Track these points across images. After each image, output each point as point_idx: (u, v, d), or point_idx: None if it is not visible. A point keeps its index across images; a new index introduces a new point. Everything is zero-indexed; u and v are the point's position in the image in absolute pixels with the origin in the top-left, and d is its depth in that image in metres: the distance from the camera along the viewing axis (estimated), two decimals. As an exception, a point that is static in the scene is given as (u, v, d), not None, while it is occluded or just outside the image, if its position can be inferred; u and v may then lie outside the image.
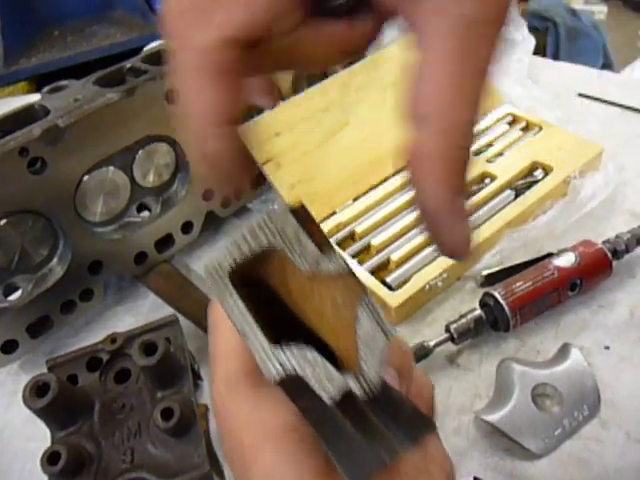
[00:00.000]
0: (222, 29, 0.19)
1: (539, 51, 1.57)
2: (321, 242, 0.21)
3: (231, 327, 0.21)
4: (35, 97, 0.98)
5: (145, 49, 0.98)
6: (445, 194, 0.19)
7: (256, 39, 0.19)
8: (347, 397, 0.19)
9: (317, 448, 0.21)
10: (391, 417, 0.21)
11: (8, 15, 1.08)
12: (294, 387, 0.20)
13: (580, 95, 0.80)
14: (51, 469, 0.41)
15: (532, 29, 1.63)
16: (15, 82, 1.08)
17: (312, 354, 0.19)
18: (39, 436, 0.52)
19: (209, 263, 0.20)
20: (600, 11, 3.42)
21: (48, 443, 0.46)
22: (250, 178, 0.20)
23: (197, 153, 0.21)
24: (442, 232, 0.20)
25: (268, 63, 0.22)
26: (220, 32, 0.18)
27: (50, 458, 0.42)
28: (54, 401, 0.43)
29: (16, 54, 1.10)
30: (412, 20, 0.20)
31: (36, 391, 0.43)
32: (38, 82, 1.11)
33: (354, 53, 0.24)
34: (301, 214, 0.21)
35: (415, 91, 0.19)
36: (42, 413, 0.44)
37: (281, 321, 0.21)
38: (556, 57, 1.49)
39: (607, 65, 1.49)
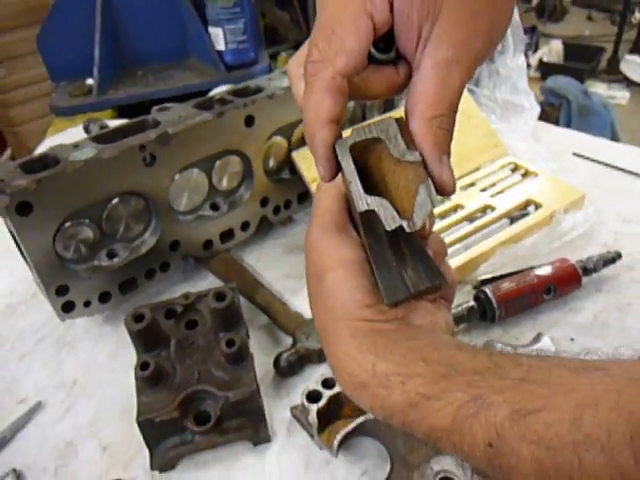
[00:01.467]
0: (343, 67, 0.33)
1: (553, 123, 1.75)
2: (408, 143, 0.33)
3: (330, 195, 0.37)
4: (119, 122, 1.17)
5: (211, 92, 1.18)
6: (435, 152, 0.33)
7: (355, 75, 0.35)
8: (398, 233, 0.32)
9: (370, 278, 0.35)
10: (420, 265, 0.35)
11: (104, 54, 1.31)
12: (370, 221, 0.33)
13: (574, 154, 0.96)
14: (141, 373, 0.56)
15: (547, 104, 1.83)
16: (103, 109, 1.30)
17: (386, 202, 0.32)
18: (120, 369, 0.67)
19: (340, 139, 0.34)
20: (622, 96, 3.63)
21: (126, 375, 0.60)
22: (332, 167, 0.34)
23: (311, 137, 0.35)
24: (436, 176, 0.33)
25: (351, 94, 0.37)
26: (341, 68, 0.33)
27: (142, 365, 0.56)
28: (146, 327, 0.58)
29: (106, 86, 1.31)
30: (417, 62, 0.34)
31: (135, 318, 0.59)
32: (121, 110, 1.32)
33: (399, 89, 0.38)
34: (401, 123, 0.33)
35: (410, 98, 0.33)
36: (136, 336, 0.59)
37: (369, 186, 0.33)
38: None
39: (614, 140, 1.65)
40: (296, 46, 3.59)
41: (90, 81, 1.32)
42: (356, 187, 0.33)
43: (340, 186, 0.38)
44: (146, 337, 0.60)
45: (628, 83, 3.65)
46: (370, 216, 0.33)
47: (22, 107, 2.54)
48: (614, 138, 1.67)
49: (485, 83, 1.01)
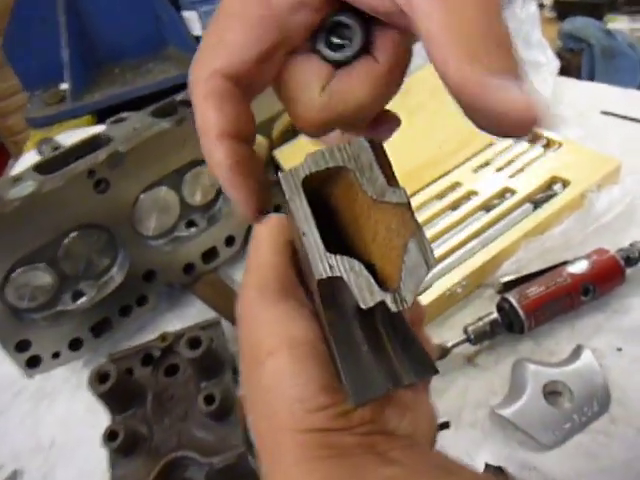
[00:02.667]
0: (222, 66, 0.23)
1: (574, 72, 1.59)
2: (389, 176, 0.23)
3: (270, 242, 0.26)
4: (98, 128, 1.09)
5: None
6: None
7: (244, 75, 0.24)
8: (374, 313, 0.23)
9: (327, 365, 0.25)
10: (403, 350, 0.25)
11: (74, 56, 1.21)
12: (332, 291, 0.23)
13: (603, 113, 0.83)
14: (110, 444, 0.48)
15: (567, 50, 1.66)
16: (81, 115, 1.20)
17: (359, 266, 0.21)
18: (101, 424, 0.59)
19: (287, 169, 0.23)
20: (647, 28, 3.37)
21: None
22: (256, 186, 0.23)
23: (208, 163, 0.25)
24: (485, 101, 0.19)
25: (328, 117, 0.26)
26: (220, 67, 0.23)
27: (110, 435, 0.48)
28: (113, 387, 0.50)
29: (81, 90, 1.22)
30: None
31: (99, 378, 0.50)
32: (100, 114, 1.22)
33: (390, 82, 0.26)
34: (377, 147, 0.23)
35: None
36: (103, 397, 0.51)
37: (332, 236, 0.23)
38: (592, 77, 1.51)
39: (647, 83, 1.49)
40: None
41: (65, 86, 1.23)
42: (313, 241, 0.22)
43: (283, 227, 0.28)
44: (115, 397, 0.52)
45: (653, 12, 3.38)
46: (334, 284, 0.23)
47: (16, 116, 2.48)
48: (645, 80, 1.50)
49: (492, 41, 0.87)
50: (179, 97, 0.67)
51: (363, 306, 0.21)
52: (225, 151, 0.24)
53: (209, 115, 0.24)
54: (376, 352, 0.25)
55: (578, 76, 1.47)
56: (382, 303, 0.22)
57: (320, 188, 0.24)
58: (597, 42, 1.45)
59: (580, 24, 1.52)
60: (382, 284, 0.22)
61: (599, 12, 3.39)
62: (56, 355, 0.61)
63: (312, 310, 0.27)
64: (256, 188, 0.26)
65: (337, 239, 0.24)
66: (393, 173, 0.23)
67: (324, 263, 0.22)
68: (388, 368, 0.24)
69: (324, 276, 0.22)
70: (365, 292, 0.21)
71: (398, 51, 0.25)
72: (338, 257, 0.22)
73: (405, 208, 0.22)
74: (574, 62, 1.49)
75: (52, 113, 1.20)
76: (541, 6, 3.56)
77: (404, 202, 0.22)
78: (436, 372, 0.25)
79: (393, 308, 0.21)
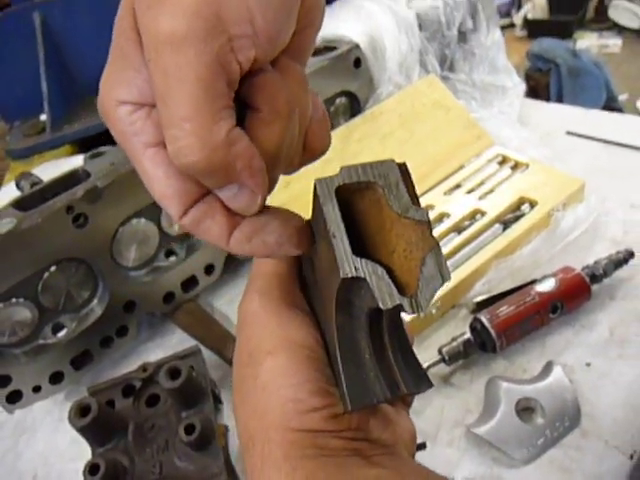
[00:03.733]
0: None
1: (543, 90, 1.64)
2: (412, 196, 0.25)
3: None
4: (78, 159, 1.09)
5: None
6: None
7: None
8: (385, 315, 0.25)
9: (323, 369, 0.27)
10: (403, 361, 0.26)
11: (53, 87, 1.22)
12: (348, 296, 0.25)
13: (568, 133, 0.86)
14: (92, 479, 0.48)
15: (536, 70, 1.71)
16: (60, 146, 1.21)
17: (381, 270, 0.23)
18: (82, 457, 0.59)
19: (323, 178, 0.25)
20: (614, 44, 3.49)
21: (90, 462, 0.53)
22: None
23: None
24: None
25: None
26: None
27: (91, 469, 0.48)
28: (94, 421, 0.51)
29: (60, 121, 1.22)
30: None
31: (79, 412, 0.51)
32: (80, 144, 1.23)
33: None
34: (404, 170, 0.26)
35: None
36: (84, 431, 0.51)
37: (354, 244, 0.25)
38: (560, 95, 1.55)
39: (611, 99, 1.54)
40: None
41: (44, 117, 1.24)
42: (342, 243, 0.24)
43: None
44: (96, 431, 0.52)
45: (619, 29, 3.50)
46: (352, 286, 0.25)
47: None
48: (610, 97, 1.56)
49: (460, 67, 0.91)
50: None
51: (382, 306, 0.23)
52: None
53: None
54: (378, 360, 0.26)
55: (547, 95, 1.52)
56: (392, 314, 0.25)
57: (348, 199, 0.26)
58: (564, 62, 1.51)
59: (547, 45, 1.58)
60: (400, 291, 0.24)
61: (568, 30, 3.51)
62: (37, 389, 0.61)
63: (312, 318, 0.29)
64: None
65: (359, 247, 0.25)
66: (416, 194, 0.26)
67: (350, 264, 0.24)
68: (388, 377, 0.26)
69: (349, 276, 0.24)
70: (385, 294, 0.23)
71: (272, 89, 0.24)
72: (363, 260, 0.24)
73: (426, 226, 0.24)
74: (542, 81, 1.54)
75: (32, 144, 1.20)
76: (512, 26, 3.67)
77: (425, 220, 0.24)
78: (432, 385, 0.27)
79: (409, 312, 0.23)
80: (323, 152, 0.28)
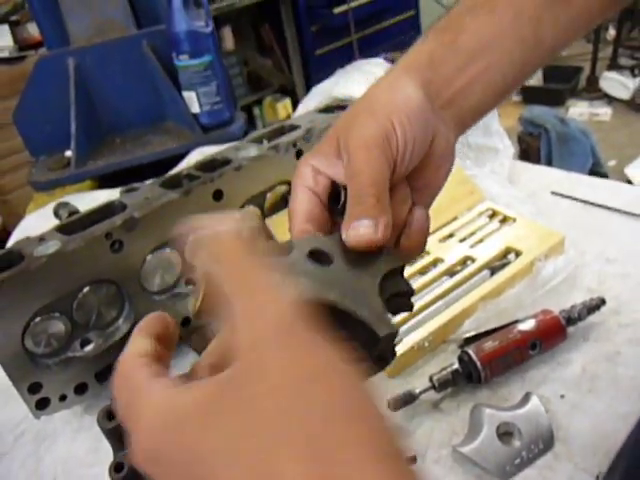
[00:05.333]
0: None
1: (534, 154, 1.76)
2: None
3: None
4: (101, 193, 1.18)
5: (190, 154, 1.19)
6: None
7: None
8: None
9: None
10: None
11: (80, 127, 1.32)
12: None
13: (552, 193, 0.95)
14: (117, 475, 0.54)
15: (527, 134, 1.84)
16: (82, 180, 1.30)
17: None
18: (99, 463, 0.65)
19: None
20: (605, 113, 3.67)
21: (106, 470, 0.58)
22: None
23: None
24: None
25: None
26: None
27: (116, 467, 0.54)
28: (120, 425, 0.56)
29: (85, 157, 1.32)
30: None
31: (107, 415, 0.57)
32: (101, 180, 1.32)
33: None
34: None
35: None
36: (110, 434, 0.57)
37: None
38: (549, 159, 1.67)
39: (596, 164, 1.66)
40: (280, 90, 3.66)
41: (69, 153, 1.33)
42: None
43: None
44: (121, 435, 0.57)
45: (609, 99, 3.70)
46: None
47: (11, 175, 2.57)
48: (596, 163, 1.68)
49: (456, 129, 1.01)
50: (185, 171, 0.77)
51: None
52: None
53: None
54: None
55: (537, 157, 1.64)
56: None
57: None
58: (552, 128, 1.63)
59: (537, 112, 1.71)
60: None
61: (561, 98, 3.71)
62: (63, 398, 0.66)
63: None
64: None
65: None
66: None
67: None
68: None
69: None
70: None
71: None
72: None
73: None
74: (534, 145, 1.66)
75: (56, 177, 1.29)
76: (508, 91, 3.87)
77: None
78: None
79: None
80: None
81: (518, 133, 1.78)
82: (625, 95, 3.64)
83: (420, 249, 0.42)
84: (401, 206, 0.40)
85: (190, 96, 1.30)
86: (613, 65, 3.85)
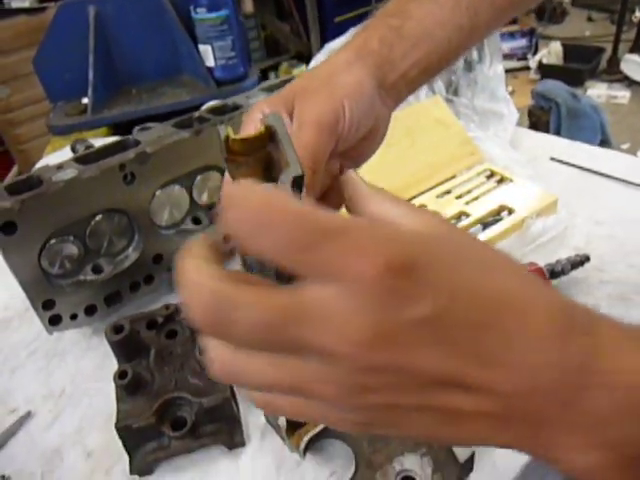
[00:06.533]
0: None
1: (543, 127, 1.77)
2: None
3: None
4: (113, 139, 1.21)
5: (204, 106, 1.22)
6: None
7: None
8: None
9: None
10: None
11: (98, 75, 1.35)
12: None
13: (551, 159, 0.98)
14: (120, 382, 0.59)
15: (538, 108, 1.84)
16: (98, 127, 1.34)
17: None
18: (105, 379, 0.70)
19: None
20: (623, 96, 3.63)
21: (111, 385, 0.63)
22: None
23: None
24: None
25: None
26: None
27: (120, 375, 0.59)
28: (125, 338, 0.61)
29: (101, 105, 1.35)
30: None
31: (114, 329, 0.62)
32: (116, 128, 1.36)
33: None
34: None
35: None
36: (116, 346, 0.62)
37: None
38: (558, 133, 1.68)
39: (605, 141, 1.66)
40: (297, 56, 3.64)
41: (86, 100, 1.37)
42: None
43: None
44: (125, 347, 0.63)
45: (629, 82, 3.65)
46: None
47: (27, 125, 2.61)
48: (605, 140, 1.68)
49: (464, 92, 1.03)
50: (197, 114, 0.80)
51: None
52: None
53: None
54: None
55: (546, 130, 1.65)
56: None
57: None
58: (564, 102, 1.63)
59: (550, 86, 1.71)
60: None
61: (580, 78, 3.67)
62: (74, 317, 0.72)
63: None
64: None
65: None
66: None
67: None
68: None
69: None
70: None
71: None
72: None
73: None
74: (543, 118, 1.67)
75: (73, 123, 1.33)
76: (527, 68, 3.83)
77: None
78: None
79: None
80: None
81: (529, 106, 1.78)
82: (645, 79, 3.59)
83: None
84: (329, 175, 0.44)
85: (206, 49, 1.33)
86: (636, 48, 3.79)
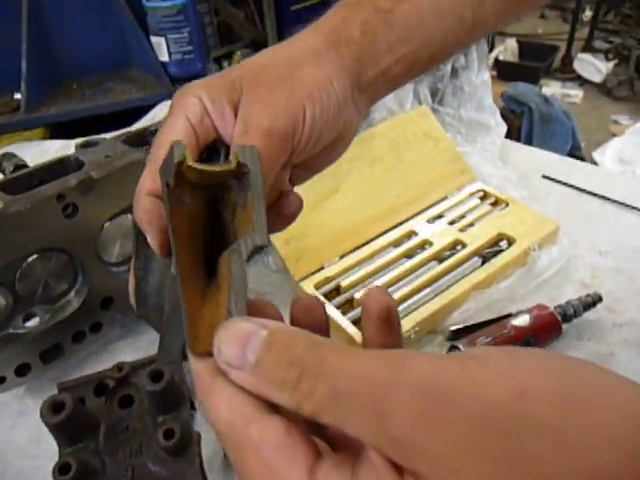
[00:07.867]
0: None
1: (515, 132, 1.72)
2: None
3: None
4: (52, 143, 1.06)
5: (157, 107, 1.08)
6: None
7: None
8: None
9: None
10: None
11: (32, 66, 1.18)
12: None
13: (544, 177, 0.91)
14: (62, 478, 0.47)
15: (510, 111, 1.79)
16: (33, 128, 1.17)
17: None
18: (43, 454, 0.57)
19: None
20: (576, 95, 3.68)
21: (51, 461, 0.51)
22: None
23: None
24: None
25: None
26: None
27: (61, 469, 0.47)
28: (67, 419, 0.49)
29: (37, 102, 1.19)
30: None
31: (53, 408, 0.49)
32: (53, 129, 1.20)
33: None
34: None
35: None
36: (55, 429, 0.49)
37: None
38: (529, 138, 1.63)
39: (575, 147, 1.63)
40: (252, 45, 3.49)
41: (18, 96, 1.20)
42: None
43: None
44: (68, 429, 0.50)
45: (582, 82, 3.70)
46: None
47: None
48: (575, 145, 1.65)
49: (449, 101, 0.94)
50: (152, 127, 0.67)
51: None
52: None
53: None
54: None
55: (518, 137, 1.60)
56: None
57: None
58: (536, 107, 1.58)
59: (521, 89, 1.66)
60: None
61: (536, 76, 3.68)
62: (2, 380, 0.58)
63: None
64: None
65: None
66: None
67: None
68: None
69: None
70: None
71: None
72: None
73: None
74: (515, 123, 1.62)
75: (3, 122, 1.16)
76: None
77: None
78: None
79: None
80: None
81: (500, 109, 1.72)
82: (597, 78, 3.65)
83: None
84: (275, 189, 0.37)
85: (159, 42, 1.19)
86: (588, 47, 3.85)
